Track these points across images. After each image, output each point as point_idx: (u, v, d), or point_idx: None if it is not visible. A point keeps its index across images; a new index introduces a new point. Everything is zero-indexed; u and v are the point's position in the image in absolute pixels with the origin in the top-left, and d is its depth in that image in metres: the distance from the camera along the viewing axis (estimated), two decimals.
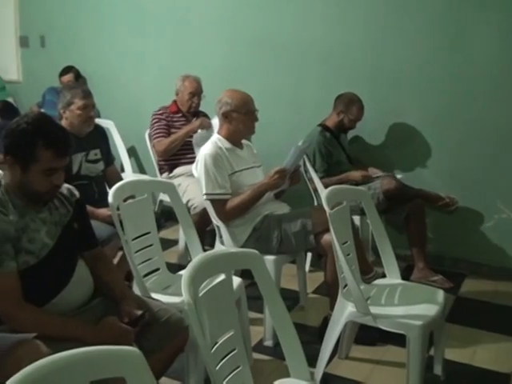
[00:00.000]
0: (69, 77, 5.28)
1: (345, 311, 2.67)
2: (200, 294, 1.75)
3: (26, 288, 2.00)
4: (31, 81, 6.01)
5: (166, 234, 4.57)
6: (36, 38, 5.93)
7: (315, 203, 4.14)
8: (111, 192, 2.66)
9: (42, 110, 5.24)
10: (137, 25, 5.34)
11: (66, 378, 1.28)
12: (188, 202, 3.95)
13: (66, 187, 2.26)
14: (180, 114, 4.45)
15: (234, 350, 1.92)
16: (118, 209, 2.67)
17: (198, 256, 1.85)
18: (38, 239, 2.06)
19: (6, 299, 1.94)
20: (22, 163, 2.03)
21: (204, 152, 3.16)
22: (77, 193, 2.30)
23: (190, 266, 1.76)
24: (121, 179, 3.34)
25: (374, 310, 2.57)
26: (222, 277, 1.94)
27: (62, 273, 2.12)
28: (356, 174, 4.12)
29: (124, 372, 1.35)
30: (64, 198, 2.22)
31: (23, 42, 6.03)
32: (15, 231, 2.00)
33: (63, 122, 3.31)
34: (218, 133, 3.29)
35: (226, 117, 3.22)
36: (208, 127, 4.27)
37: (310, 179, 4.12)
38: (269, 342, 3.17)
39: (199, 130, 4.30)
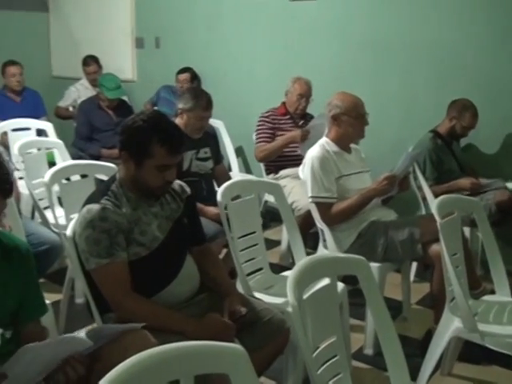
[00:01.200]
0: (185, 75, 5.43)
1: (450, 326, 2.57)
2: (304, 297, 1.74)
3: (136, 279, 2.07)
4: (145, 80, 6.24)
5: (269, 234, 4.59)
6: (151, 40, 6.15)
7: (423, 211, 4.02)
8: (220, 191, 2.70)
9: (156, 108, 5.43)
10: (249, 27, 5.41)
11: (172, 369, 1.30)
12: (292, 203, 3.95)
13: (177, 183, 2.32)
14: (288, 117, 4.46)
15: (336, 356, 1.89)
16: (225, 207, 2.71)
17: (305, 259, 1.84)
18: (150, 232, 2.13)
19: (116, 288, 2.02)
20: (137, 159, 2.10)
21: (311, 155, 3.14)
22: (188, 189, 2.36)
23: (296, 268, 1.75)
24: (229, 178, 3.39)
25: (481, 327, 2.45)
26: (326, 281, 1.91)
27: (171, 266, 2.18)
28: (465, 182, 3.96)
29: (228, 369, 1.36)
30: (175, 194, 2.29)
31: (139, 43, 6.27)
32: (128, 223, 2.08)
33: (177, 120, 3.39)
34: (327, 136, 3.27)
35: (335, 119, 3.19)
36: (307, 139, 4.18)
37: (419, 187, 4.00)
38: (369, 351, 3.10)
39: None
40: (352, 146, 3.35)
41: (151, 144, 2.06)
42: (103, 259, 2.01)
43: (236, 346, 1.41)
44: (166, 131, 2.09)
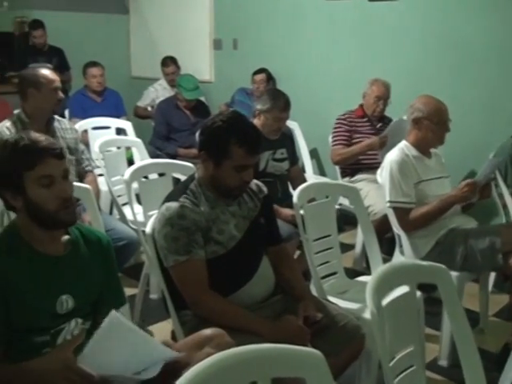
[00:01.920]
0: (261, 76, 5.45)
1: None
2: (383, 304, 1.70)
3: (213, 277, 2.08)
4: (222, 81, 6.30)
5: (343, 237, 4.54)
6: (229, 41, 6.21)
7: (503, 220, 3.87)
8: (296, 192, 2.69)
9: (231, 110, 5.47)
10: (327, 27, 5.37)
11: (250, 371, 1.30)
12: (368, 207, 3.89)
13: (255, 183, 2.33)
14: (365, 119, 4.40)
15: (412, 366, 1.84)
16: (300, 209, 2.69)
17: (385, 265, 1.80)
18: (227, 231, 2.14)
19: (194, 285, 2.04)
20: (216, 159, 2.12)
21: (390, 158, 3.08)
22: (265, 189, 2.36)
23: (375, 274, 1.72)
24: (304, 180, 3.38)
25: None
26: (403, 288, 1.86)
27: (247, 266, 2.18)
28: None
29: (305, 373, 1.35)
30: (253, 194, 2.30)
31: (217, 44, 6.35)
32: (206, 222, 2.10)
33: (255, 121, 3.40)
34: (406, 139, 3.20)
35: (416, 123, 3.11)
36: (385, 145, 4.09)
37: (500, 194, 3.85)
38: (443, 362, 3.01)
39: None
40: (432, 150, 3.26)
41: (230, 144, 2.08)
42: (181, 256, 2.04)
43: (314, 350, 1.39)
44: (244, 132, 2.11)
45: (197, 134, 4.40)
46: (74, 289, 1.81)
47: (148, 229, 2.23)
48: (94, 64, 5.49)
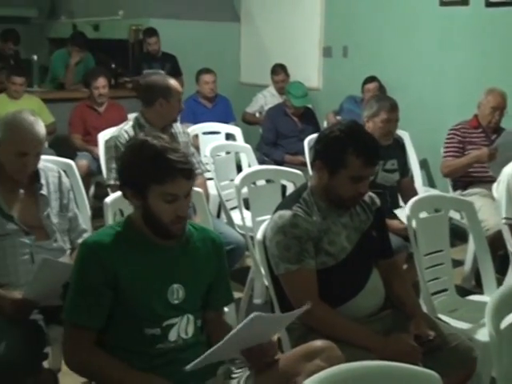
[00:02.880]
0: (374, 85, 5.37)
1: None
2: (502, 327, 1.63)
3: (322, 288, 2.07)
4: (330, 89, 6.27)
5: (451, 253, 4.38)
6: (339, 49, 6.17)
7: None
8: (409, 204, 2.63)
9: (339, 118, 5.44)
10: (441, 36, 5.22)
11: None
12: (480, 223, 3.72)
13: (368, 194, 2.29)
14: (480, 130, 4.23)
15: None
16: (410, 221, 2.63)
17: (505, 286, 1.72)
18: (338, 242, 2.12)
19: (304, 295, 2.03)
20: (331, 168, 2.10)
21: (508, 172, 2.94)
22: (378, 201, 2.32)
23: (495, 296, 1.65)
24: (415, 192, 3.30)
25: None
26: None
27: (357, 278, 2.15)
28: None
29: None
30: (365, 205, 2.26)
31: (326, 52, 6.33)
32: (317, 232, 2.09)
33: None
34: None
35: None
36: (495, 158, 3.90)
37: None
38: None
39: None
40: None
41: (347, 154, 2.06)
42: (293, 265, 2.04)
43: (431, 371, 1.35)
44: (362, 142, 2.08)
45: (305, 142, 4.44)
46: (186, 279, 1.88)
47: (259, 235, 2.24)
48: (207, 71, 5.63)
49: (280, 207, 2.16)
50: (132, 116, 5.44)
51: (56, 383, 2.42)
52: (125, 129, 3.37)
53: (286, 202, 2.20)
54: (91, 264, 1.79)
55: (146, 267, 1.83)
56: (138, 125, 3.38)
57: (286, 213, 2.09)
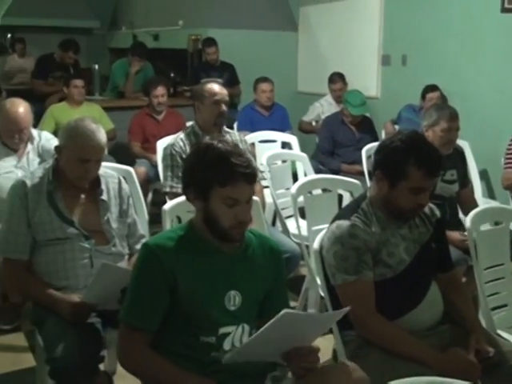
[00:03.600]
0: (436, 94, 5.25)
1: None
2: None
3: (379, 300, 2.04)
4: (388, 98, 6.20)
5: None
6: (398, 57, 6.09)
7: None
8: (470, 217, 2.56)
9: (397, 127, 5.36)
10: (503, 43, 5.09)
11: None
12: None
13: (427, 206, 2.24)
14: None
15: None
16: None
17: None
18: (397, 254, 2.09)
19: (361, 306, 2.01)
20: (391, 179, 2.07)
21: None
22: (438, 212, 2.27)
23: None
24: (476, 204, 3.21)
25: None
26: None
27: (415, 291, 2.11)
28: None
29: None
30: (425, 217, 2.22)
31: (385, 60, 6.26)
32: (376, 243, 2.06)
33: None
34: None
35: None
36: None
37: None
38: None
39: None
40: None
41: (408, 165, 2.03)
42: (350, 276, 2.02)
43: None
44: (424, 153, 2.04)
45: (363, 151, 4.39)
46: (243, 286, 1.88)
47: (315, 245, 2.23)
48: (264, 80, 5.66)
49: (338, 217, 2.14)
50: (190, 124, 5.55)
51: None
52: (180, 137, 3.43)
53: (345, 211, 2.18)
54: (152, 266, 1.81)
55: (205, 272, 1.84)
56: (192, 132, 3.45)
57: (344, 223, 2.07)
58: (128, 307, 1.84)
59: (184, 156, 3.29)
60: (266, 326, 1.64)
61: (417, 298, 2.10)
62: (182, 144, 3.38)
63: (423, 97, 5.26)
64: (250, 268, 1.91)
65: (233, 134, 3.60)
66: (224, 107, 3.41)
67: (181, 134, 3.46)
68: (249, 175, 1.79)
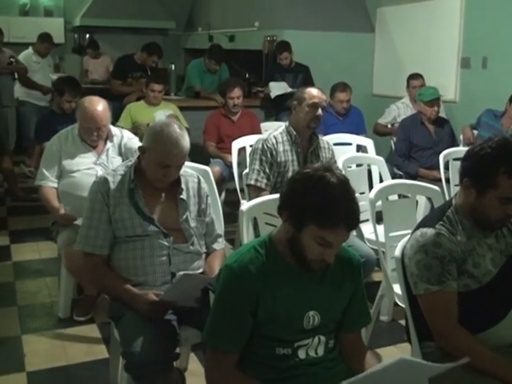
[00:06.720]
0: None
1: None
2: None
3: (462, 312, 1.97)
4: (467, 101, 6.03)
5: None
6: (478, 60, 5.93)
7: None
8: None
9: (475, 132, 5.19)
10: None
11: None
12: None
13: None
14: None
15: None
16: None
17: None
18: (483, 265, 2.01)
19: (443, 318, 1.95)
20: (479, 187, 1.99)
21: None
22: None
23: None
24: None
25: None
26: None
27: (501, 304, 2.02)
28: None
29: None
30: None
31: (464, 62, 6.10)
32: (462, 253, 1.99)
33: None
34: None
35: None
36: None
37: None
38: None
39: None
40: None
41: (498, 174, 1.94)
42: (433, 286, 1.95)
43: None
44: None
45: (440, 156, 4.26)
46: (322, 305, 1.85)
47: (397, 252, 2.17)
48: (343, 88, 5.52)
49: (422, 224, 2.07)
50: (264, 125, 5.56)
51: (184, 383, 2.48)
52: (274, 134, 3.53)
53: (429, 219, 2.10)
54: (235, 290, 1.78)
55: (285, 293, 1.81)
56: (286, 131, 3.52)
57: (429, 231, 2.00)
58: (212, 329, 1.82)
59: (274, 153, 3.43)
60: (378, 369, 1.54)
61: (502, 312, 2.00)
62: (274, 141, 3.48)
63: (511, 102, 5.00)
64: (329, 285, 1.87)
65: (321, 141, 3.62)
66: (320, 111, 3.46)
67: (275, 132, 3.55)
68: (351, 224, 1.72)
